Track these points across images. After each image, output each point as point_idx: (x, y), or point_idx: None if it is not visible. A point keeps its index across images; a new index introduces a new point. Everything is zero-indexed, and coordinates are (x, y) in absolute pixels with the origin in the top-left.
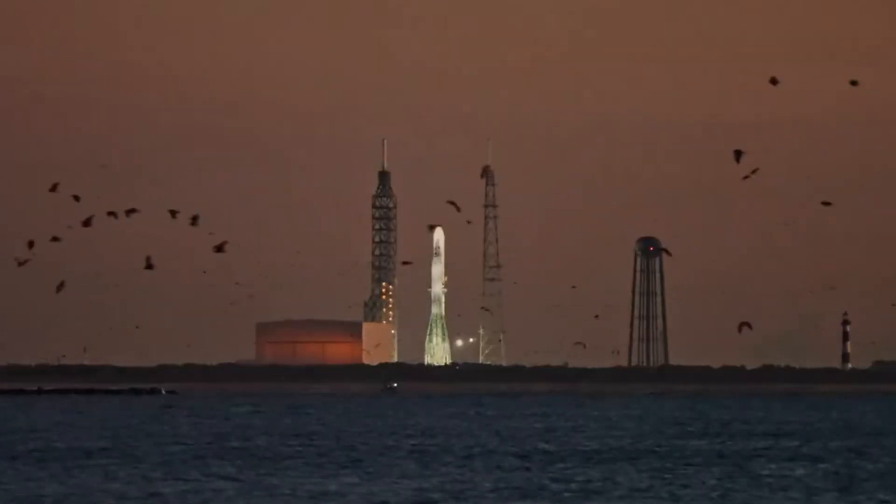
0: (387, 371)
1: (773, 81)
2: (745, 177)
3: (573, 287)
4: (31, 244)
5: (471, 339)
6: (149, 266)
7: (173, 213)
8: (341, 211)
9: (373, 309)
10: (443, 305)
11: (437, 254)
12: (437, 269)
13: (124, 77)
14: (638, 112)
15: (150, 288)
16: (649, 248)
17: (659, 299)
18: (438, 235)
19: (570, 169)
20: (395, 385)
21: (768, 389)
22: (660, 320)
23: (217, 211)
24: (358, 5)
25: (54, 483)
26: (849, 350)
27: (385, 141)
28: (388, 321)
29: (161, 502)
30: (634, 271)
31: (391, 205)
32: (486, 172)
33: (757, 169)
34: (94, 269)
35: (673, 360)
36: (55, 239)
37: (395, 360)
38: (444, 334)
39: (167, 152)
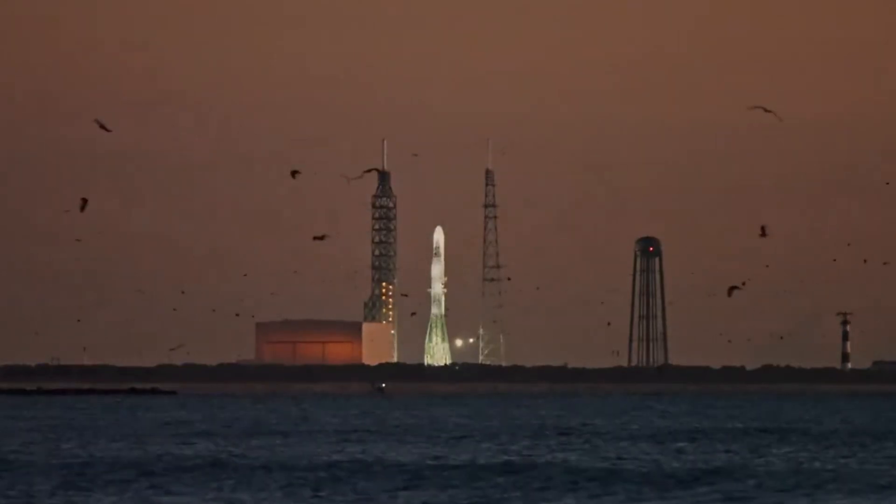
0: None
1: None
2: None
3: (575, 296)
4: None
5: (471, 340)
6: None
7: (81, 203)
8: (341, 211)
9: (373, 309)
10: (443, 305)
11: (437, 254)
12: (437, 269)
13: (126, 78)
14: (638, 112)
15: (150, 288)
16: (649, 249)
17: (659, 299)
18: (438, 235)
19: (570, 169)
20: (384, 385)
21: (768, 389)
22: (660, 320)
23: (217, 211)
24: (358, 6)
25: None
26: (849, 350)
27: (385, 141)
28: (387, 321)
29: None
30: (634, 271)
31: (391, 205)
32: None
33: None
34: (94, 268)
35: (673, 360)
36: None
37: (395, 360)
38: (443, 334)
39: (167, 153)
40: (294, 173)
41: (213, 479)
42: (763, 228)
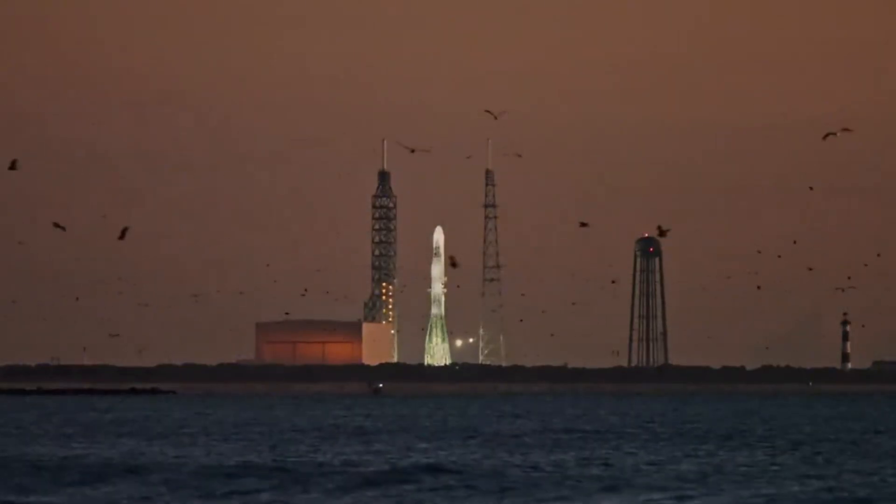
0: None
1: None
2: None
3: (573, 304)
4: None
5: (471, 340)
6: (12, 167)
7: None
8: (341, 211)
9: (373, 309)
10: (443, 305)
11: (437, 254)
12: (437, 269)
13: (126, 78)
14: (638, 112)
15: (150, 287)
16: (649, 249)
17: (659, 299)
18: (438, 235)
19: (570, 169)
20: (381, 385)
21: (768, 390)
22: (660, 320)
23: (218, 210)
24: (358, 6)
25: None
26: (849, 350)
27: (385, 141)
28: (388, 321)
29: None
30: (634, 271)
31: (391, 205)
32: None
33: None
34: (95, 268)
35: (673, 360)
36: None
37: (395, 360)
38: (443, 334)
39: (167, 153)
40: (12, 164)
41: None
42: (660, 228)
